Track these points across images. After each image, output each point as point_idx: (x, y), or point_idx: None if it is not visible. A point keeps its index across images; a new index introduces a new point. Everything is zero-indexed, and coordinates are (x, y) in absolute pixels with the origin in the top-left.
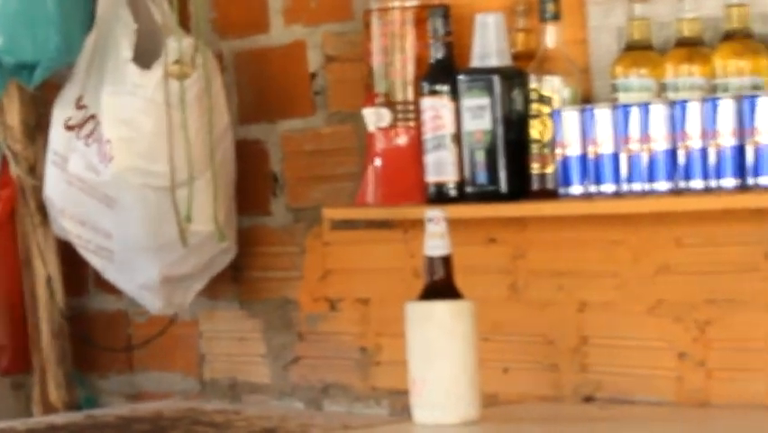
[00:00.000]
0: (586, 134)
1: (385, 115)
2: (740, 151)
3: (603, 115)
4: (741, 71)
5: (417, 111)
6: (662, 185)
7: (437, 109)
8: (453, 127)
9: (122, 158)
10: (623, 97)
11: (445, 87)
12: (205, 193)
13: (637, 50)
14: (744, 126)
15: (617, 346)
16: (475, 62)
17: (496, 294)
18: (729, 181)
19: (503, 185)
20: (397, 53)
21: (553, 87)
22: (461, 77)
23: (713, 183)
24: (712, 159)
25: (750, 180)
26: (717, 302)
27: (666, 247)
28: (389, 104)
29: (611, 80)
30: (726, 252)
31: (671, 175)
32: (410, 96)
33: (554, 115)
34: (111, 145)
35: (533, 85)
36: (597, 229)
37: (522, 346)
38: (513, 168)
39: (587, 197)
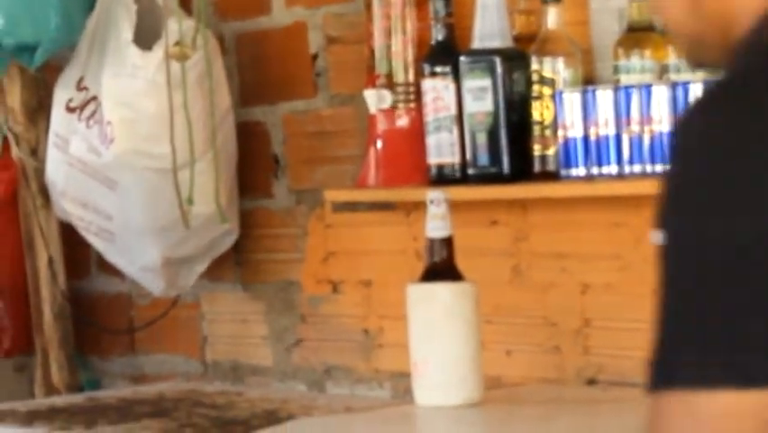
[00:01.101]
0: (588, 116)
1: (386, 97)
2: None
3: (605, 97)
4: None
5: (419, 92)
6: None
7: (439, 91)
8: (455, 109)
9: (123, 140)
10: (624, 79)
11: (447, 69)
12: (206, 175)
13: (639, 31)
14: None
15: (620, 329)
16: (476, 44)
17: (498, 276)
18: None
19: (505, 167)
20: (398, 34)
21: (554, 68)
22: (462, 58)
23: None
24: None
25: None
26: None
27: None
28: (391, 85)
29: (613, 62)
30: None
31: None
32: (411, 77)
33: (556, 96)
34: (112, 127)
35: (534, 66)
36: (599, 211)
37: (524, 329)
38: (515, 149)
39: (589, 178)
